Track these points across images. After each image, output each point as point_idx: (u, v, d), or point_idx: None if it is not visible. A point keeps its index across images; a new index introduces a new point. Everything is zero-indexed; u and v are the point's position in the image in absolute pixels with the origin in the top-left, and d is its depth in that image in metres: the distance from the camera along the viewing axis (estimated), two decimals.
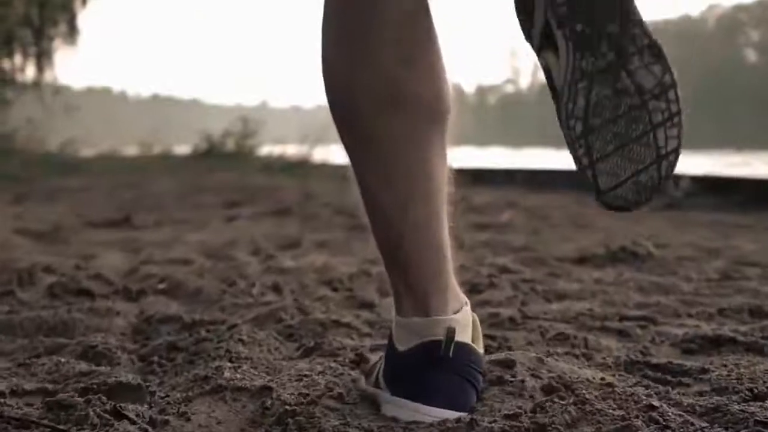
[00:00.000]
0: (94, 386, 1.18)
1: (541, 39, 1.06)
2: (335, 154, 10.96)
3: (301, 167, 9.98)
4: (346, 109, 1.12)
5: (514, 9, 1.08)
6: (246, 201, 5.47)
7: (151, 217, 4.27)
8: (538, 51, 1.07)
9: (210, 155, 11.65)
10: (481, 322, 1.48)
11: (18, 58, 14.55)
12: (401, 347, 1.13)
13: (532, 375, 1.20)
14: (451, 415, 1.07)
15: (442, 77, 1.12)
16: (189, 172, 8.81)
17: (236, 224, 4.20)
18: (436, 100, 1.12)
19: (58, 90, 14.21)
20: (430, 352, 1.10)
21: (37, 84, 14.14)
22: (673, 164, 1.04)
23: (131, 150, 13.25)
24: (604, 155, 1.04)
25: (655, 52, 1.03)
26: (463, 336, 1.13)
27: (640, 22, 1.04)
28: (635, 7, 1.04)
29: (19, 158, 9.47)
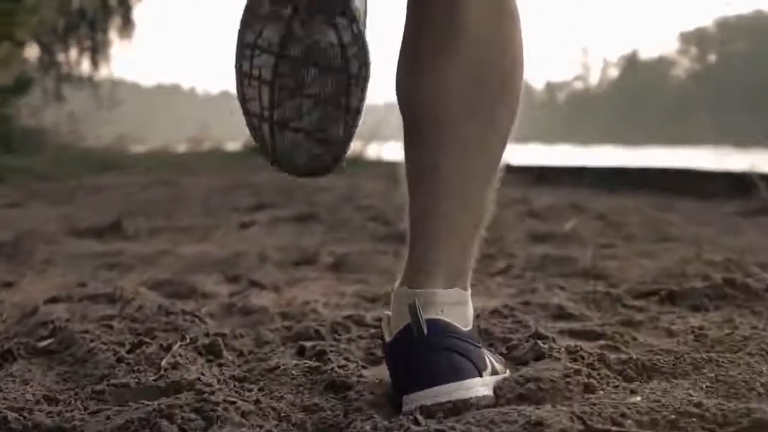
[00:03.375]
0: None
1: None
2: (389, 150, 10.34)
3: (351, 165, 9.33)
4: None
5: None
6: (279, 203, 4.82)
7: (150, 223, 3.64)
8: None
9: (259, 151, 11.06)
10: None
11: (73, 53, 14.28)
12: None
13: None
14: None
15: None
16: (233, 169, 8.23)
17: (249, 233, 3.55)
18: None
19: (114, 84, 14.04)
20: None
21: (90, 79, 13.92)
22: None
23: (183, 146, 12.77)
24: None
25: None
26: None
27: None
28: None
29: (56, 155, 8.97)
